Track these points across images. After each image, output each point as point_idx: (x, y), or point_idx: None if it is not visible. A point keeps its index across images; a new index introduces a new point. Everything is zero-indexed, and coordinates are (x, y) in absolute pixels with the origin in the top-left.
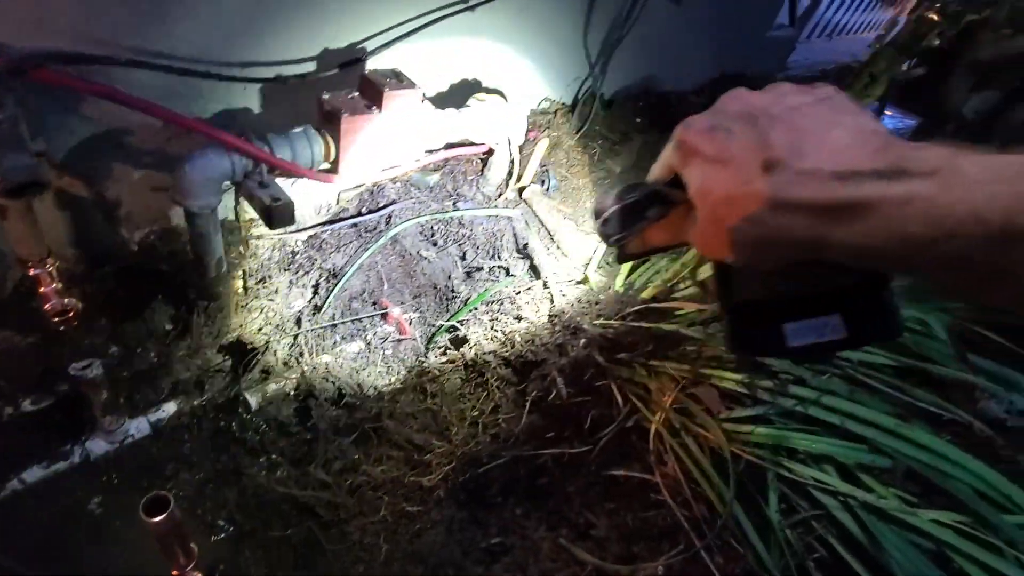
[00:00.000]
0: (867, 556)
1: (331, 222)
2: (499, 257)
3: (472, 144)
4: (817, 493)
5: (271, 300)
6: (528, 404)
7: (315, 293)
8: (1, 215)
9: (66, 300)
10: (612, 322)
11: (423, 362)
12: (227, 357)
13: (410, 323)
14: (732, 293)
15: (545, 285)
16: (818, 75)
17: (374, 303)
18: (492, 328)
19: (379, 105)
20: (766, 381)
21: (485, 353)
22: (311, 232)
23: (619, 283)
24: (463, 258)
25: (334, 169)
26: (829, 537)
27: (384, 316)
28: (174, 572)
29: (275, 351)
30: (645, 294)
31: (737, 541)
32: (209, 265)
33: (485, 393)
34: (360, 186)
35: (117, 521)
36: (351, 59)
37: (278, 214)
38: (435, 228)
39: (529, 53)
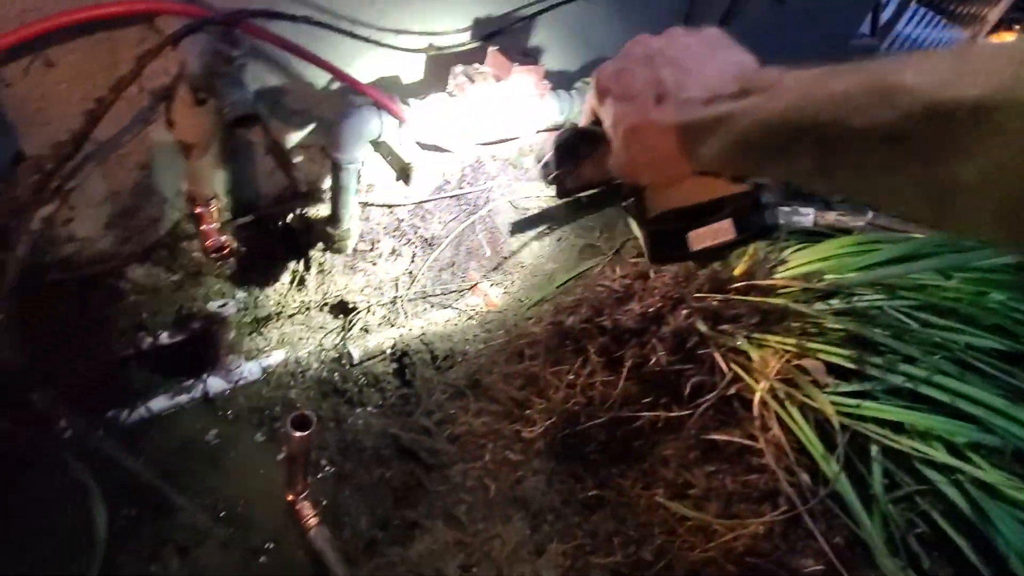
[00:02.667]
0: (971, 533)
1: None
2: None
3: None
4: (923, 468)
5: (374, 264)
6: (625, 371)
7: (412, 260)
8: (185, 153)
9: (223, 238)
10: (715, 295)
11: (519, 327)
12: (333, 312)
13: (497, 296)
14: (647, 210)
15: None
16: None
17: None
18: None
19: (504, 79)
20: (875, 358)
21: (582, 322)
22: (418, 203)
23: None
24: None
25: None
26: (933, 513)
27: (472, 288)
28: (289, 498)
29: (374, 311)
30: (737, 271)
31: (839, 511)
32: (343, 218)
33: (583, 358)
34: (463, 162)
35: (232, 452)
36: (489, 33)
37: (414, 173)
38: (528, 207)
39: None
